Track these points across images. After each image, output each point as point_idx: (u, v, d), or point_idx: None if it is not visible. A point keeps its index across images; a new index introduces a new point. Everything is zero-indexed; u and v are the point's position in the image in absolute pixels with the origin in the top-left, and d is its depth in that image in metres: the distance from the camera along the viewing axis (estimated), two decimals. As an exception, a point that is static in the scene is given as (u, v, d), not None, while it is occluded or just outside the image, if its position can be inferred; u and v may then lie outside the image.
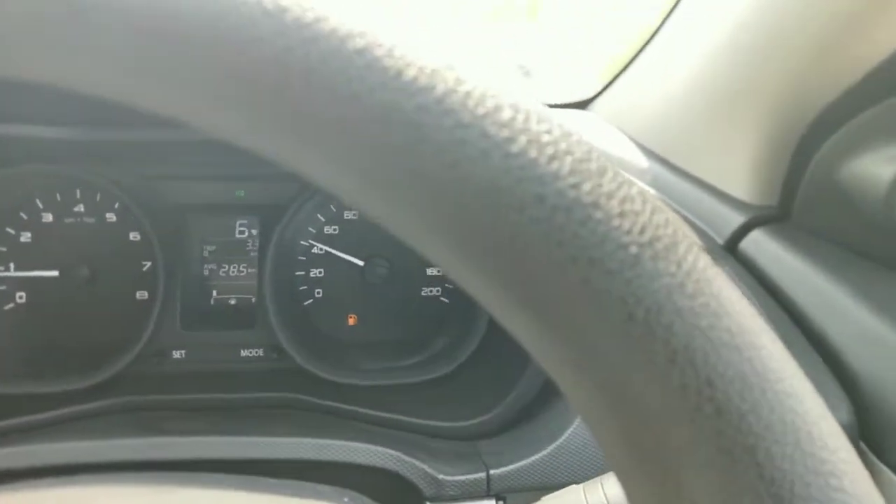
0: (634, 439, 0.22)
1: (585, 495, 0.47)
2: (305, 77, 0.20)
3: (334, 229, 0.95)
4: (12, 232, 0.90)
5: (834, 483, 0.21)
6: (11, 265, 0.90)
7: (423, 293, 0.96)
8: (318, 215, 0.95)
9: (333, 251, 0.95)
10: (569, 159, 0.20)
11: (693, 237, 0.22)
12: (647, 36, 0.93)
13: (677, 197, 0.87)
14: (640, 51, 0.95)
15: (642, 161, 0.92)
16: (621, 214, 0.20)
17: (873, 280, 0.66)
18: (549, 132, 0.21)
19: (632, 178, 0.22)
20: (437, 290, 0.96)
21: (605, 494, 0.46)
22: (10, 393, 0.81)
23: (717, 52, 0.77)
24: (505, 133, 0.20)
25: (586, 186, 0.20)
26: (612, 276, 0.20)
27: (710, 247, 0.80)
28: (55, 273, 0.90)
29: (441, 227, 0.21)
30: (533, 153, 0.20)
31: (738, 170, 0.81)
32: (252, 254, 0.94)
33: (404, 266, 0.95)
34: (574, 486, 0.49)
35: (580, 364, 0.21)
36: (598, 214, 0.20)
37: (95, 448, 0.67)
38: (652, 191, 0.86)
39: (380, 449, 0.66)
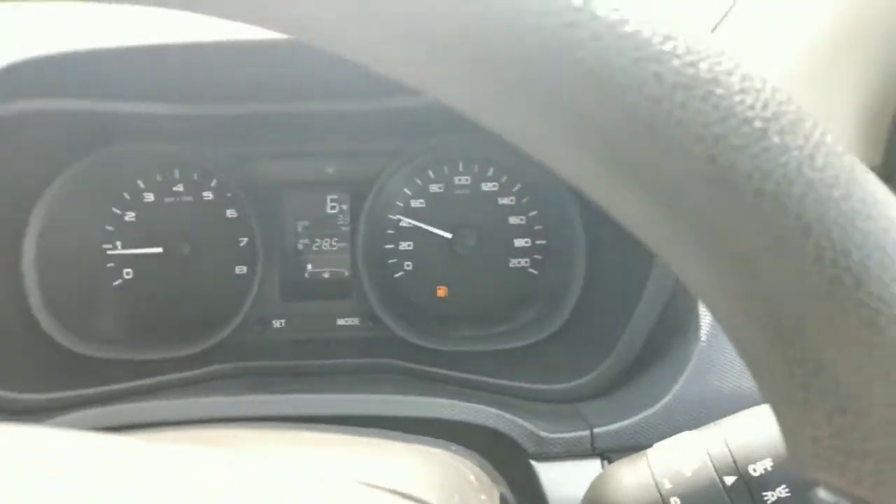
0: (771, 322, 0.21)
1: (703, 439, 0.46)
2: None
3: (421, 203, 0.96)
4: (118, 212, 0.95)
5: None
6: (118, 243, 0.95)
7: (510, 265, 0.96)
8: (406, 189, 0.96)
9: (421, 224, 0.96)
10: (683, 39, 0.20)
11: (817, 116, 0.21)
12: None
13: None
14: (730, 10, 0.93)
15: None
16: (742, 91, 0.20)
17: None
18: (660, 17, 0.20)
19: (752, 59, 0.22)
20: (526, 262, 0.96)
21: (724, 437, 0.45)
22: (123, 359, 0.86)
23: (816, 12, 0.74)
24: (616, 15, 0.20)
25: (704, 65, 0.20)
26: (739, 151, 0.19)
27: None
28: (159, 250, 0.94)
29: (558, 113, 0.20)
30: (646, 33, 0.19)
31: (840, 129, 0.78)
32: (343, 228, 0.96)
33: (492, 237, 0.96)
34: (687, 432, 0.48)
35: (710, 248, 0.21)
36: (719, 90, 0.20)
37: (204, 405, 0.70)
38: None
39: (481, 407, 0.66)
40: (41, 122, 0.79)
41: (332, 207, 0.97)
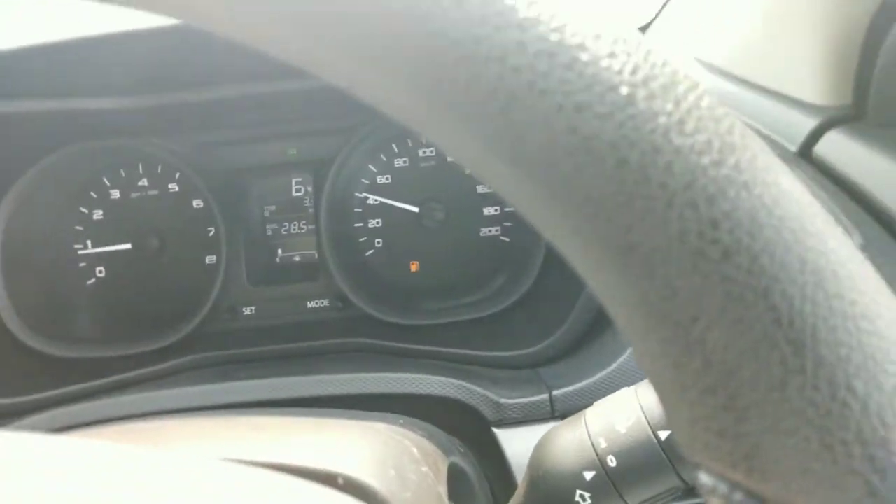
0: (642, 297, 0.20)
1: (637, 394, 0.45)
2: None
3: (387, 178, 0.95)
4: (85, 211, 0.95)
5: (866, 326, 0.18)
6: (89, 242, 0.95)
7: (481, 233, 0.95)
8: (370, 166, 0.95)
9: (388, 201, 0.95)
10: (548, 4, 0.19)
11: (696, 78, 0.20)
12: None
13: (746, 109, 0.83)
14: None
15: (706, 78, 0.88)
16: (611, 55, 0.18)
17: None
18: None
19: (625, 21, 0.20)
20: (497, 230, 0.95)
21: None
22: (97, 357, 0.86)
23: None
24: None
25: (570, 29, 0.19)
26: (602, 120, 0.18)
27: (784, 154, 0.76)
28: (128, 246, 0.94)
29: (421, 87, 0.19)
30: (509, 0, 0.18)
31: (805, 71, 0.76)
32: (311, 210, 0.96)
33: (461, 208, 0.95)
34: (625, 388, 0.47)
35: (576, 220, 0.20)
36: (585, 56, 0.18)
37: (176, 396, 0.70)
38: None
39: (440, 379, 0.66)
40: None
41: (298, 190, 0.96)
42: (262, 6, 0.20)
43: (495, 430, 0.64)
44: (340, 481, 0.42)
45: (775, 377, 0.18)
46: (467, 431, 0.63)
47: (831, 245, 0.19)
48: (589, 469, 0.44)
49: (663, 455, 0.43)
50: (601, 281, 0.21)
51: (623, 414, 0.45)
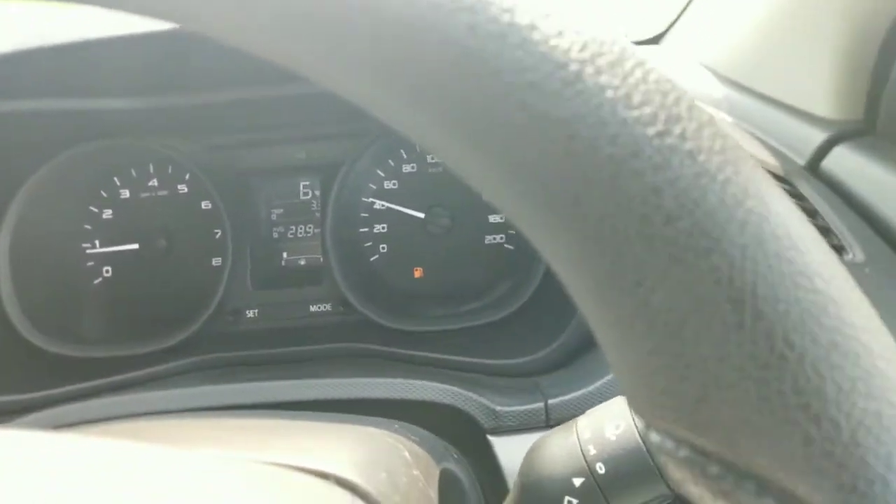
0: (591, 264, 0.20)
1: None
2: None
3: (394, 184, 0.96)
4: (95, 210, 0.96)
5: (804, 283, 0.19)
6: (97, 242, 0.96)
7: (486, 241, 0.95)
8: (378, 171, 0.95)
9: (394, 206, 0.95)
10: None
11: (643, 55, 0.20)
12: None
13: (756, 120, 0.82)
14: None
15: (719, 90, 0.88)
16: (560, 34, 0.19)
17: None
18: None
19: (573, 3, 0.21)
20: (501, 238, 0.95)
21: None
22: (101, 356, 0.87)
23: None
24: None
25: (521, 9, 0.19)
26: (552, 97, 0.19)
27: (792, 168, 0.75)
28: (135, 246, 0.95)
29: (384, 72, 0.20)
30: None
31: (817, 85, 0.75)
32: (317, 214, 0.96)
33: (466, 215, 0.95)
34: (620, 396, 0.47)
35: (529, 194, 0.20)
36: (535, 36, 0.19)
37: (175, 397, 0.70)
38: (728, 118, 0.82)
39: (437, 385, 0.66)
40: (7, 122, 0.80)
41: (305, 193, 0.97)
42: None
43: (490, 437, 0.63)
44: (332, 481, 0.42)
45: (716, 335, 0.19)
46: (462, 438, 0.63)
47: (773, 208, 0.19)
48: (578, 475, 0.44)
49: (651, 463, 0.43)
50: (554, 252, 0.22)
51: (613, 421, 0.44)
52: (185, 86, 0.81)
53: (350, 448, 0.48)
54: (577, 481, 0.44)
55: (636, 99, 0.19)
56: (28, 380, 0.80)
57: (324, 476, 0.41)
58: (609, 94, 0.19)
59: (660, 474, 0.43)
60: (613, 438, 0.44)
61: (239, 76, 0.81)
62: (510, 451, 0.62)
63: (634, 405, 0.23)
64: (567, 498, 0.44)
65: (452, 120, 0.20)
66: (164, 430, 0.56)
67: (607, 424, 0.45)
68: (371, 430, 0.54)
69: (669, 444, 0.22)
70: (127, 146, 0.92)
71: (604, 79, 0.19)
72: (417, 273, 0.96)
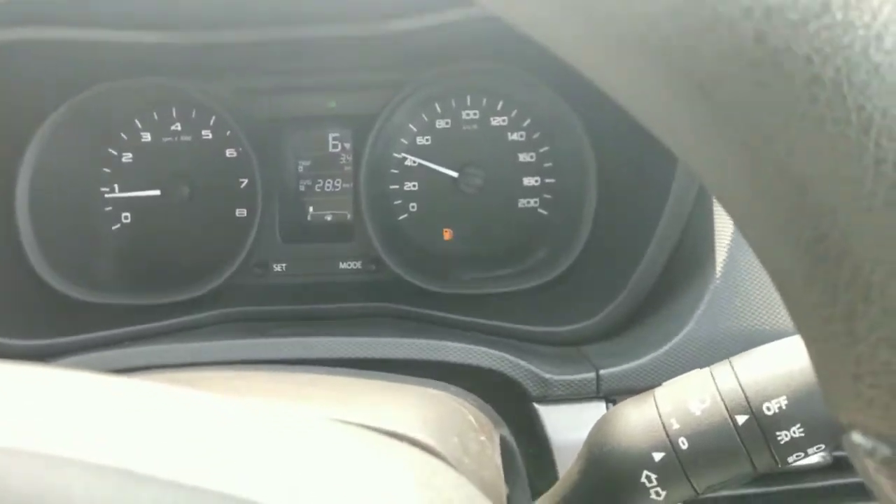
0: (813, 239, 0.18)
1: (714, 377, 0.43)
2: None
3: (427, 140, 0.92)
4: (114, 153, 0.92)
5: None
6: (116, 186, 0.92)
7: (519, 205, 0.92)
8: (410, 125, 0.92)
9: (426, 163, 0.92)
10: None
11: None
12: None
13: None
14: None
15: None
16: None
17: None
18: None
19: None
20: (535, 202, 0.92)
21: (736, 375, 0.42)
22: (122, 304, 0.84)
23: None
24: None
25: None
26: (794, 28, 0.16)
27: None
28: (157, 192, 0.92)
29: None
30: None
31: None
32: (346, 168, 0.93)
33: (500, 176, 0.92)
34: (697, 370, 0.45)
35: (753, 150, 0.17)
36: None
37: (203, 349, 0.68)
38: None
39: (485, 349, 0.64)
40: (32, 53, 0.76)
41: (335, 146, 0.93)
42: None
43: (537, 405, 0.62)
44: (406, 443, 0.40)
45: None
46: (505, 405, 0.61)
47: None
48: (658, 450, 0.42)
49: (739, 440, 0.41)
50: (766, 222, 0.19)
51: (697, 396, 0.43)
52: (215, 22, 0.77)
53: (420, 410, 0.46)
54: (658, 456, 0.43)
55: (888, 42, 0.16)
56: (46, 325, 0.78)
57: (397, 437, 0.40)
58: (860, 32, 0.16)
59: (746, 453, 0.42)
60: (698, 413, 0.43)
61: (272, 14, 0.77)
62: (558, 421, 0.60)
63: (841, 405, 0.20)
64: (645, 472, 0.43)
65: (664, 46, 0.17)
66: (222, 380, 0.54)
67: (690, 398, 0.43)
68: (433, 391, 0.52)
69: (885, 450, 0.19)
70: (150, 86, 0.88)
71: (854, 14, 0.16)
72: (447, 235, 0.93)
